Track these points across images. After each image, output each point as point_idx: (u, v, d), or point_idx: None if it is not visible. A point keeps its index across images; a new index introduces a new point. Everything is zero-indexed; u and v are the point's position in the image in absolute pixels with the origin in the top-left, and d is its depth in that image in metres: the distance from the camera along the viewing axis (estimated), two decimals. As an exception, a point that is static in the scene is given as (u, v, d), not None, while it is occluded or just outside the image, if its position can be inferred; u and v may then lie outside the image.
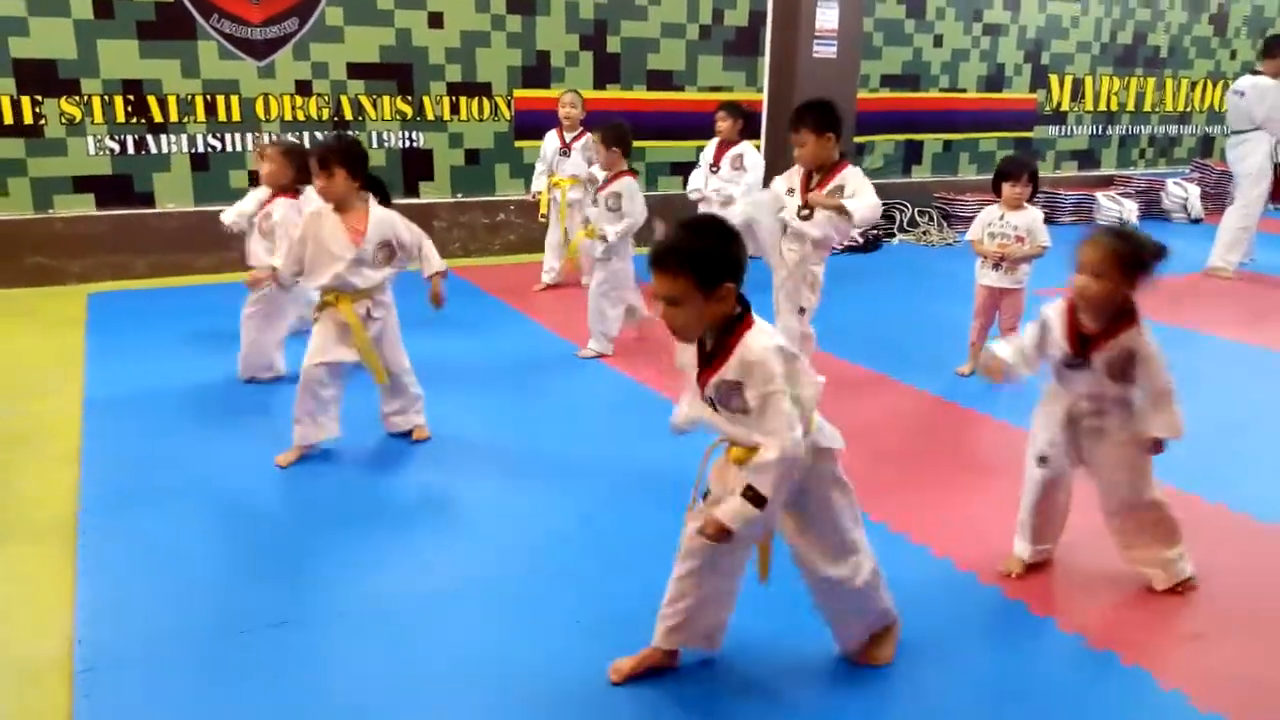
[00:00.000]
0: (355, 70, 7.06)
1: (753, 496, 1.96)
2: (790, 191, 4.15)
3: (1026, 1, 9.85)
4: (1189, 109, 11.49)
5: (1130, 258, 2.46)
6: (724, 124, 6.40)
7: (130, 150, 6.55)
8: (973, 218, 4.78)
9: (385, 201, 3.60)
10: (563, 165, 6.39)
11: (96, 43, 6.29)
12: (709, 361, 2.03)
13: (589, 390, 4.52)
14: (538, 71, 7.68)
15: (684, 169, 8.20)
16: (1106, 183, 10.60)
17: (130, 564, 2.85)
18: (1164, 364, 2.55)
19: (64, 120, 6.33)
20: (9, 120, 6.18)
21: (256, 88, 6.80)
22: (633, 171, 5.07)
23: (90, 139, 6.43)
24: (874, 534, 3.01)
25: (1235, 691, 2.29)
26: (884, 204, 8.77)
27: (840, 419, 2.25)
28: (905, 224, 8.95)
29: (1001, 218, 4.54)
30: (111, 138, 6.48)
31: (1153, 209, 10.26)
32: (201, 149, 6.72)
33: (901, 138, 9.59)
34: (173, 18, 6.45)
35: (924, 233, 8.82)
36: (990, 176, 4.66)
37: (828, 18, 8.42)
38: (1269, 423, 4.18)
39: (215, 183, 6.77)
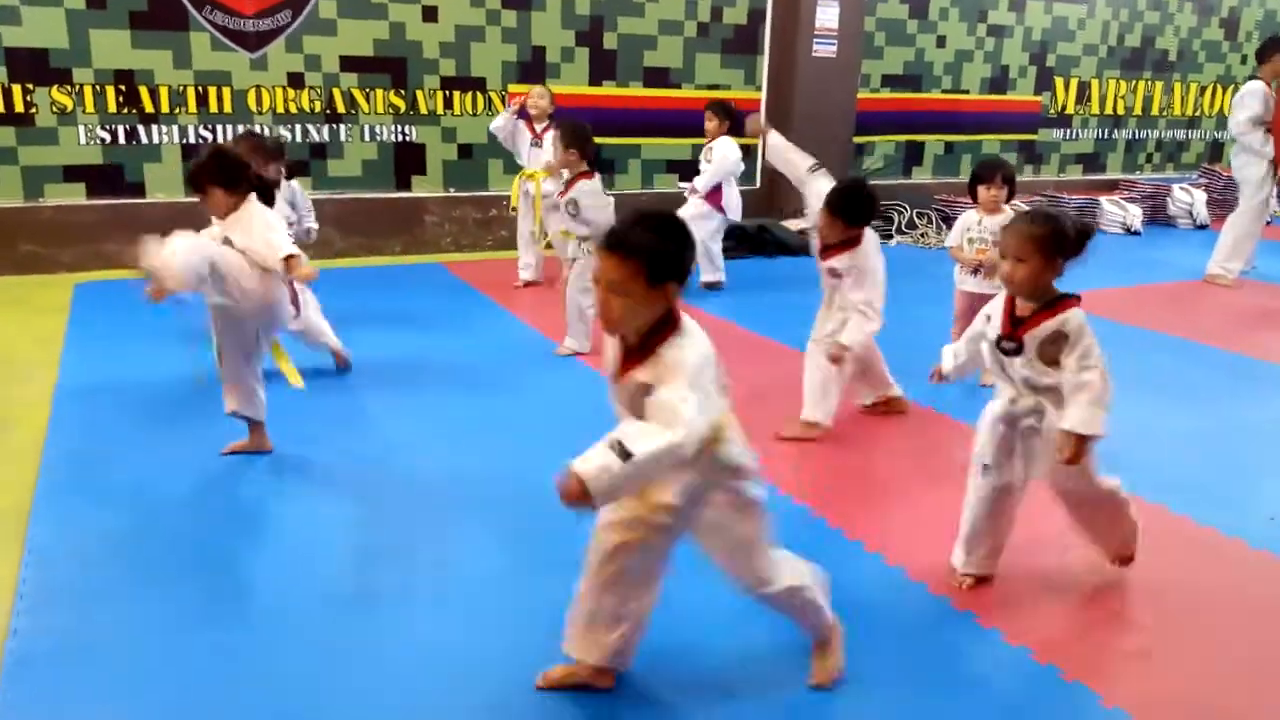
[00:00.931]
0: (348, 63, 7.06)
1: (620, 450, 1.78)
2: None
3: (1032, 3, 9.76)
4: (1198, 113, 11.35)
5: (1048, 239, 2.45)
6: (710, 124, 6.36)
7: (121, 140, 6.56)
8: None
9: (268, 202, 3.46)
10: (536, 156, 6.22)
11: (89, 32, 6.30)
12: (629, 358, 1.98)
13: (562, 387, 4.48)
14: (532, 67, 7.64)
15: (680, 167, 8.20)
16: (1111, 187, 10.49)
17: (75, 556, 2.84)
18: (1095, 352, 2.46)
19: (55, 109, 6.34)
20: (0, 109, 6.20)
21: (248, 80, 6.80)
22: (590, 173, 4.90)
23: (81, 128, 6.44)
24: (827, 540, 2.98)
25: (1177, 714, 2.24)
26: (884, 205, 8.89)
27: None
28: (903, 226, 8.88)
29: (980, 222, 4.48)
30: (103, 127, 6.49)
31: (1158, 215, 10.15)
32: (193, 140, 6.72)
33: (902, 138, 9.52)
34: (165, 8, 6.45)
35: (922, 235, 8.75)
36: None
37: (828, 16, 8.37)
38: (1248, 435, 4.11)
39: (206, 174, 6.76)
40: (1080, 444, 2.42)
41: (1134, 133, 10.97)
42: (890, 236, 8.77)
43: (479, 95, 7.54)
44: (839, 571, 2.83)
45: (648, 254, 1.89)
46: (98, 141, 6.50)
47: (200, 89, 6.68)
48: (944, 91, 9.58)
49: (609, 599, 2.13)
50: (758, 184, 8.75)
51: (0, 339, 5.04)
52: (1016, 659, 2.43)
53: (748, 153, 8.56)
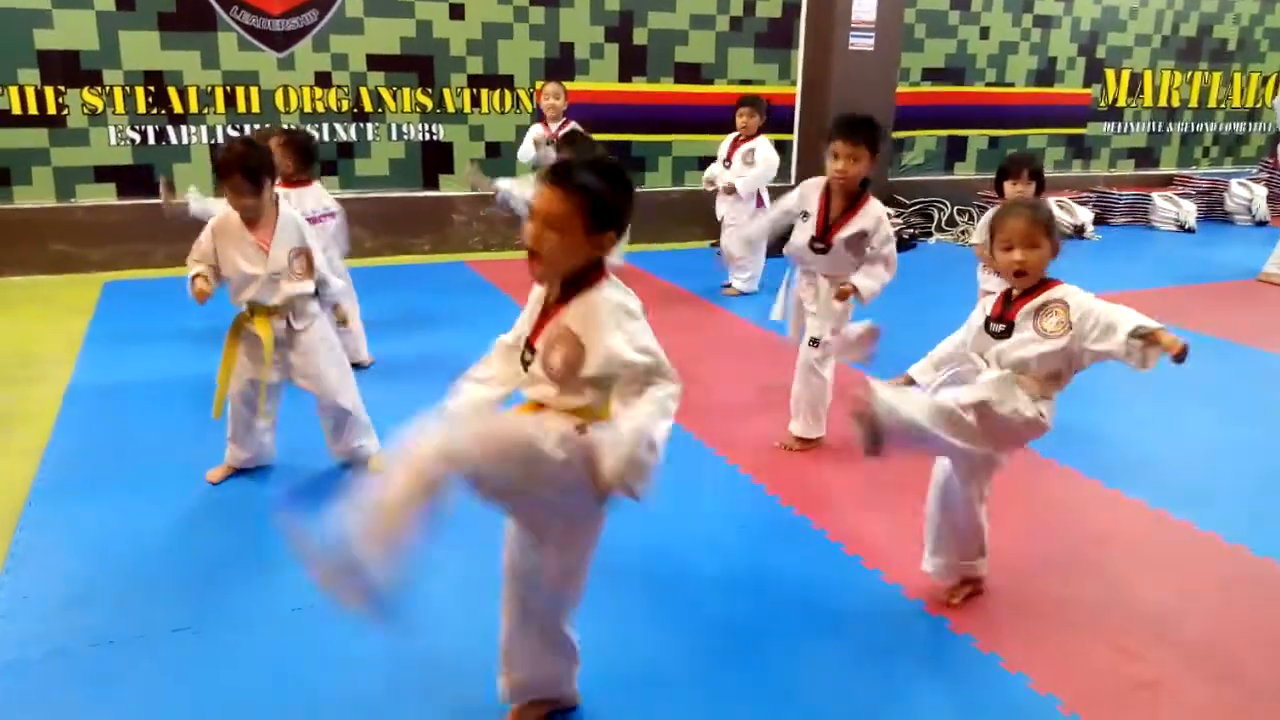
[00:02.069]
0: (375, 62, 7.04)
1: (647, 443, 1.66)
2: (805, 215, 3.63)
3: (1081, -8, 9.44)
4: (1259, 105, 10.88)
5: (1050, 224, 2.43)
6: (746, 119, 6.20)
7: (151, 141, 6.61)
8: None
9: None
10: (551, 157, 6.16)
11: (118, 34, 6.36)
12: (555, 304, 1.86)
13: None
14: (561, 64, 7.56)
15: (712, 163, 8.03)
16: (1165, 183, 10.11)
17: (57, 559, 2.82)
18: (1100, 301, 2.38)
19: (86, 111, 6.42)
20: (33, 110, 6.29)
21: (276, 79, 6.82)
22: None
23: (112, 129, 6.51)
24: (824, 553, 2.84)
25: (1184, 749, 2.07)
26: (924, 201, 8.66)
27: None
28: (944, 223, 8.64)
29: (1006, 219, 4.28)
30: (132, 128, 6.55)
31: (1214, 210, 9.76)
32: (221, 140, 6.75)
33: (944, 133, 9.26)
34: (193, 9, 6.49)
35: (962, 232, 8.49)
36: (1045, 174, 4.38)
37: (865, 9, 8.15)
38: (1293, 444, 3.87)
39: (234, 174, 6.80)
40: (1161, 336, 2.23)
41: (1190, 125, 10.55)
42: (929, 234, 8.54)
43: (507, 93, 7.48)
44: (834, 586, 2.73)
45: (593, 195, 1.79)
46: (128, 142, 6.56)
47: (228, 89, 6.71)
48: (988, 85, 9.29)
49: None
50: (792, 180, 8.56)
51: (24, 337, 5.10)
52: (1014, 688, 2.27)
53: (781, 149, 8.43)
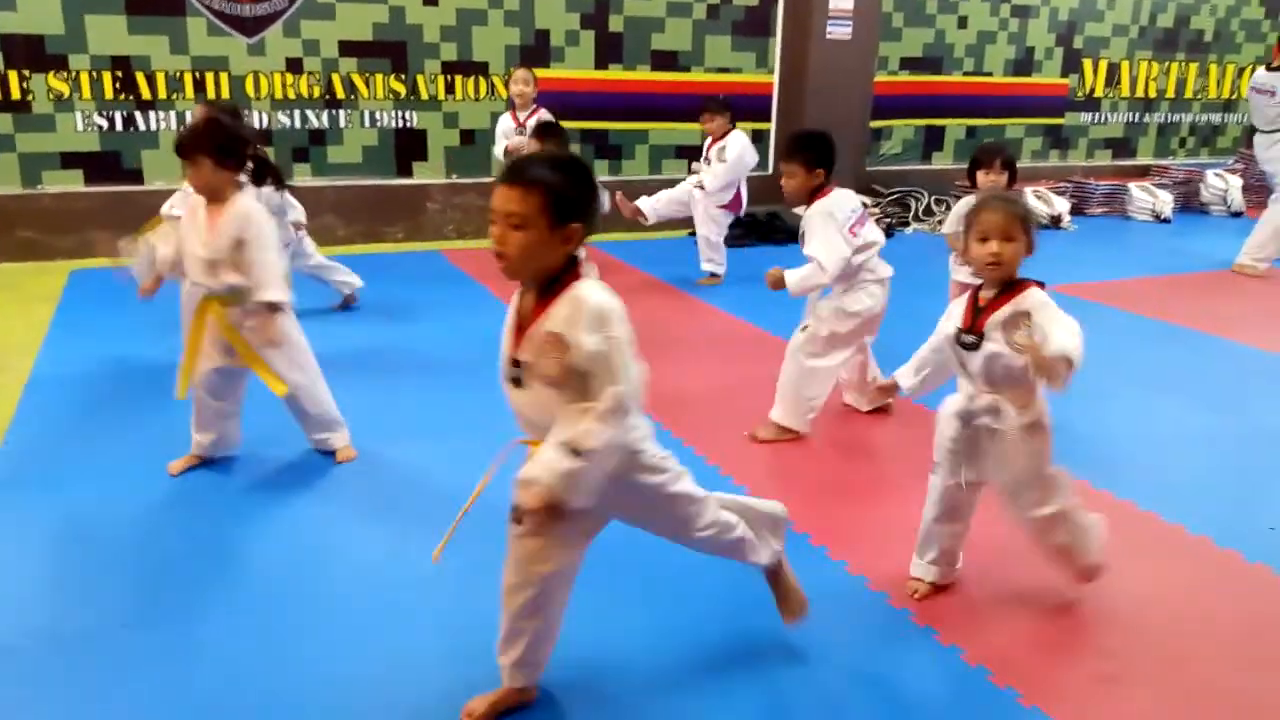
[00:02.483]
0: (347, 48, 6.95)
1: (572, 450, 1.73)
2: None
3: (1059, -19, 9.44)
4: (1234, 96, 10.91)
5: (1027, 218, 2.38)
6: (708, 123, 6.18)
7: (119, 127, 6.52)
8: None
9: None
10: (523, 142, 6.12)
11: (84, 18, 6.25)
12: (534, 308, 1.82)
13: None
14: (536, 51, 7.49)
15: (689, 152, 8.00)
16: (1142, 173, 10.14)
17: (9, 554, 2.76)
18: (1065, 316, 2.33)
19: (52, 96, 6.31)
20: (-3, 95, 6.19)
21: (246, 65, 6.72)
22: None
23: (79, 115, 6.41)
24: (790, 544, 2.83)
25: (1141, 741, 2.07)
26: (901, 191, 8.64)
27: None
28: (921, 212, 8.64)
29: (978, 209, 4.27)
30: (100, 114, 6.45)
31: (1190, 201, 9.80)
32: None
33: (921, 123, 9.25)
34: (161, -7, 6.39)
35: (939, 221, 8.49)
36: (1019, 165, 4.38)
37: (843, -3, 8.12)
38: (1264, 439, 3.87)
39: (204, 161, 6.71)
40: (1063, 366, 2.21)
41: (1167, 116, 10.58)
42: (907, 224, 8.54)
43: (481, 80, 7.41)
44: (798, 576, 2.70)
45: (553, 188, 1.76)
46: (95, 128, 6.46)
47: (197, 75, 6.61)
48: (966, 74, 9.29)
49: (554, 610, 2.07)
50: (769, 169, 8.53)
51: (-15, 327, 5.01)
52: (973, 679, 2.26)
53: (758, 139, 8.40)
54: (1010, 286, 2.38)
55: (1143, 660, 2.35)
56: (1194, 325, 5.42)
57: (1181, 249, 7.96)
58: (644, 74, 7.93)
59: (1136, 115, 10.38)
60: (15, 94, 6.22)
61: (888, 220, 8.46)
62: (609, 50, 7.76)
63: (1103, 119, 10.19)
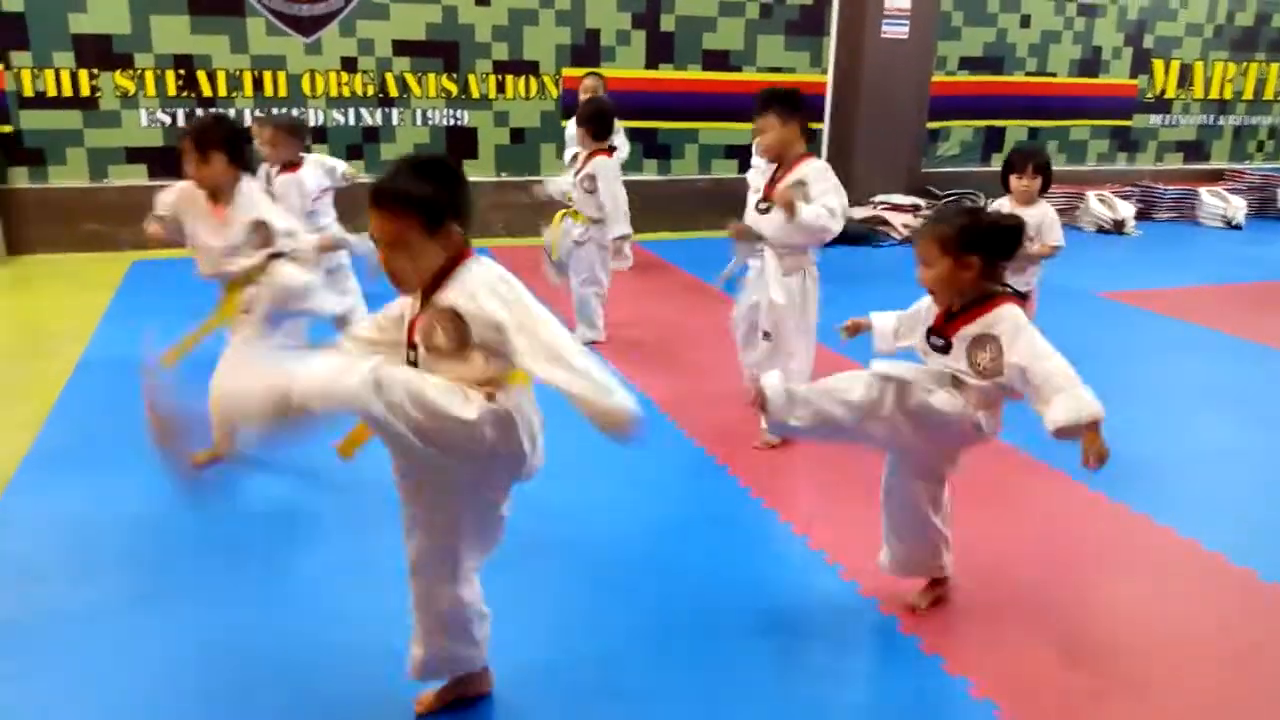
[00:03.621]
0: (401, 47, 7.10)
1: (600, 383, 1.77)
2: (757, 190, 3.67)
3: (1129, -21, 9.14)
4: (1319, 98, 10.44)
5: (954, 239, 2.22)
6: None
7: (180, 123, 6.74)
8: (1058, 210, 4.42)
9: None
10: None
11: (150, 19, 6.50)
12: (427, 296, 1.85)
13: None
14: (587, 50, 7.55)
15: (739, 152, 7.99)
16: (1215, 177, 9.77)
17: (26, 532, 2.89)
18: (1042, 342, 2.19)
19: (119, 93, 6.58)
20: (68, 93, 6.47)
21: (303, 64, 6.91)
22: (608, 152, 4.80)
23: (143, 111, 6.66)
24: (787, 546, 2.81)
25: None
26: (957, 193, 8.47)
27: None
28: (976, 216, 8.45)
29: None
30: (163, 110, 6.70)
31: (1266, 208, 9.43)
32: (249, 123, 6.85)
33: (981, 124, 9.05)
34: (223, -6, 6.61)
35: (995, 226, 8.30)
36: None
37: (899, -4, 8.00)
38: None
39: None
40: (1095, 433, 2.13)
41: (1244, 119, 10.16)
42: (961, 227, 8.36)
43: (531, 79, 7.49)
44: (790, 580, 2.70)
45: (418, 203, 1.78)
46: (158, 124, 6.71)
47: (256, 73, 6.82)
48: (1028, 74, 9.05)
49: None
50: (821, 171, 8.46)
51: (45, 313, 5.26)
52: (952, 691, 2.22)
53: (811, 138, 8.30)
54: (984, 300, 2.27)
55: (1132, 679, 2.28)
56: (1253, 338, 5.19)
57: (1251, 257, 7.66)
58: (695, 73, 7.92)
59: (1211, 117, 10.00)
60: (85, 91, 6.50)
61: (941, 223, 8.31)
62: (660, 50, 7.77)
63: (1174, 121, 9.83)
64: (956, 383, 2.28)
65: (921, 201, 8.26)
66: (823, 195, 3.40)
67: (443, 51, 7.20)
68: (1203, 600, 2.65)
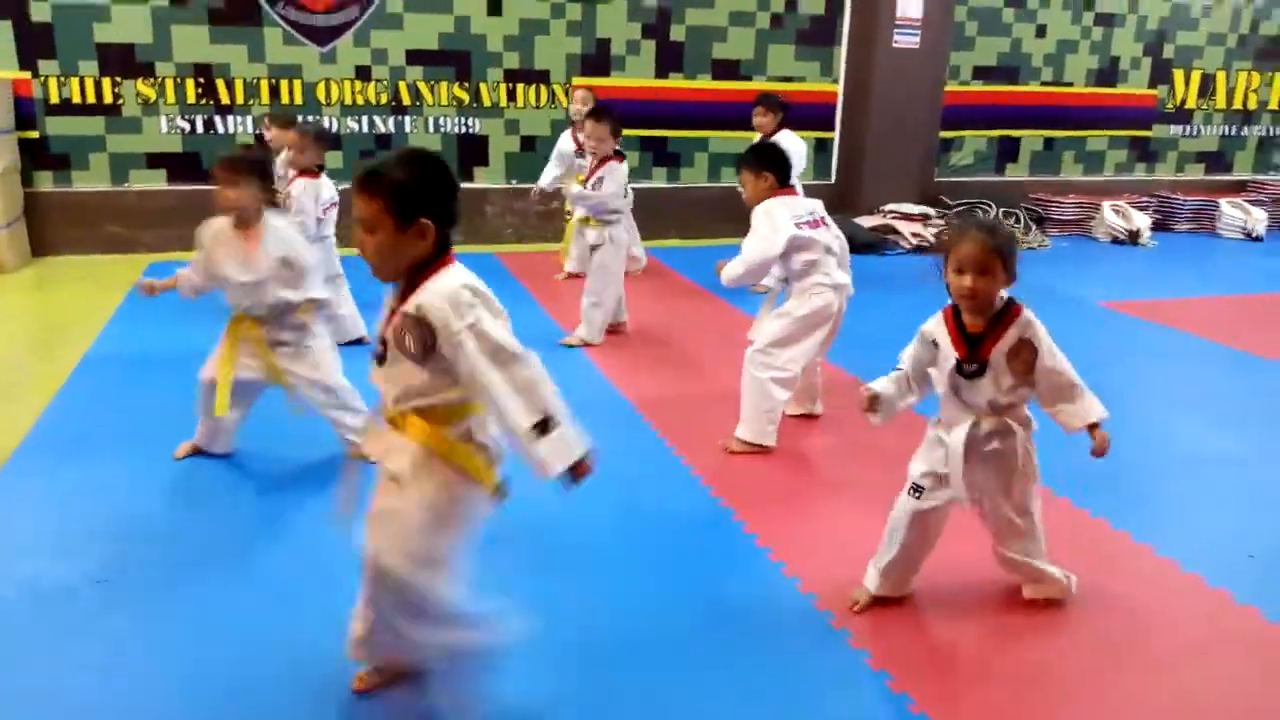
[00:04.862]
0: (414, 57, 7.26)
1: (541, 423, 1.87)
2: None
3: (1148, -11, 9.07)
4: (1348, 109, 10.26)
5: (1006, 250, 2.30)
6: (760, 118, 6.21)
7: (199, 130, 6.96)
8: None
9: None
10: (583, 165, 6.31)
11: (170, 28, 6.71)
12: (399, 302, 1.92)
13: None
14: (597, 60, 7.66)
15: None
16: (1238, 188, 9.64)
17: (10, 539, 2.95)
18: (1053, 345, 2.35)
19: (140, 100, 6.80)
20: (91, 99, 6.70)
21: (318, 73, 7.09)
22: (619, 157, 4.94)
23: (163, 118, 6.88)
24: (735, 542, 2.86)
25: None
26: (968, 203, 8.45)
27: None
28: (988, 225, 8.43)
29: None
30: (183, 117, 6.91)
31: (1289, 219, 9.29)
32: (262, 129, 7.05)
33: (995, 134, 9.03)
34: (241, 5, 6.81)
35: (1007, 235, 8.27)
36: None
37: (910, 5, 8.04)
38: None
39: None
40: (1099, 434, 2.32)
41: (1268, 129, 10.02)
42: (972, 236, 8.34)
43: (542, 88, 7.61)
44: (734, 576, 2.75)
45: (392, 189, 1.84)
46: (178, 131, 6.92)
47: (273, 82, 7.01)
48: (1044, 84, 9.01)
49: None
50: (832, 179, 8.49)
51: (61, 311, 5.45)
52: (870, 682, 2.26)
53: (822, 148, 8.37)
54: (1004, 313, 2.34)
55: (1082, 706, 2.24)
56: (1259, 351, 5.12)
57: (1268, 269, 7.58)
58: (704, 83, 8.00)
59: (1233, 128, 9.87)
60: (108, 98, 6.73)
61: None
62: (670, 59, 7.86)
63: (1194, 131, 9.72)
64: (1006, 429, 2.39)
65: (932, 211, 8.25)
66: (748, 238, 3.66)
67: (455, 60, 7.35)
68: (1146, 603, 2.65)
